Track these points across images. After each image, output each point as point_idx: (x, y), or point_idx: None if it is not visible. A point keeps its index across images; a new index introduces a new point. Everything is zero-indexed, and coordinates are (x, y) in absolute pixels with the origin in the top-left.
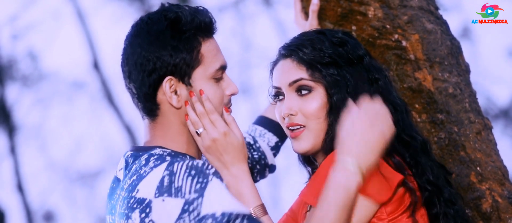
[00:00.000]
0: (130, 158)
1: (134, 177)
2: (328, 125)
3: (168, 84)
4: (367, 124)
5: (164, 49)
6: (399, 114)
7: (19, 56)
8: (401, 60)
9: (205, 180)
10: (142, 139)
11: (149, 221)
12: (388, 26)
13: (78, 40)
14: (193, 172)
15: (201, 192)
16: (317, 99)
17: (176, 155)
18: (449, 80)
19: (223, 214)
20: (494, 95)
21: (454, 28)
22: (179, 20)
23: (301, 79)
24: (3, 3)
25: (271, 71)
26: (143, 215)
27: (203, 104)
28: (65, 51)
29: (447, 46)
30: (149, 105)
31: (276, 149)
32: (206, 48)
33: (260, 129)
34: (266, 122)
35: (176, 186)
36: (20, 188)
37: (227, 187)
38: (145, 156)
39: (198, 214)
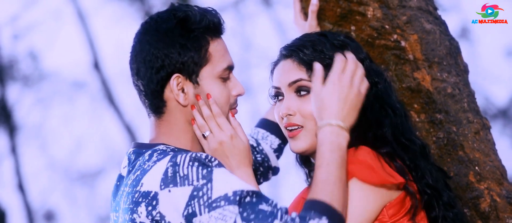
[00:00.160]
0: (132, 155)
1: (138, 172)
2: None
3: (175, 82)
4: (344, 86)
5: (173, 47)
6: (398, 118)
7: (20, 56)
8: (400, 60)
9: (209, 168)
10: (147, 137)
11: (157, 213)
12: (387, 26)
13: (79, 40)
14: (196, 163)
15: (208, 177)
16: (308, 98)
17: (179, 151)
18: (447, 80)
19: (234, 193)
20: (492, 95)
21: (453, 28)
22: (188, 19)
23: (300, 79)
24: (4, 4)
25: (272, 72)
26: (150, 208)
27: (210, 108)
28: (66, 51)
29: (445, 46)
30: (156, 102)
31: (279, 151)
32: (214, 47)
33: (262, 132)
34: (268, 125)
35: (181, 175)
36: (20, 187)
37: None
38: (149, 152)
39: (209, 199)
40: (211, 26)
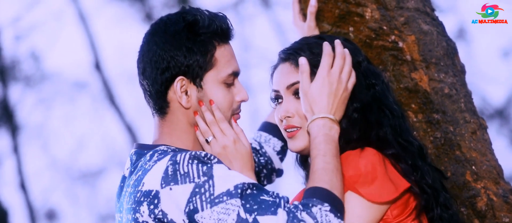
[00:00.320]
0: (134, 156)
1: (140, 172)
2: None
3: (179, 84)
4: (333, 81)
5: (179, 50)
6: (396, 119)
7: (21, 57)
8: (398, 61)
9: (209, 165)
10: (148, 137)
11: (159, 211)
12: (385, 27)
13: (80, 41)
14: (196, 161)
15: (209, 174)
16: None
17: (180, 150)
18: (445, 81)
19: (236, 187)
20: (489, 95)
21: (450, 29)
22: (197, 23)
23: (297, 82)
24: (6, 5)
25: (272, 75)
26: (152, 206)
27: (213, 113)
28: (67, 51)
29: (443, 47)
30: (160, 103)
31: (282, 153)
32: (220, 53)
33: (265, 135)
34: (270, 128)
35: (182, 173)
36: (23, 186)
37: None
38: (150, 152)
39: (211, 195)
40: (219, 31)
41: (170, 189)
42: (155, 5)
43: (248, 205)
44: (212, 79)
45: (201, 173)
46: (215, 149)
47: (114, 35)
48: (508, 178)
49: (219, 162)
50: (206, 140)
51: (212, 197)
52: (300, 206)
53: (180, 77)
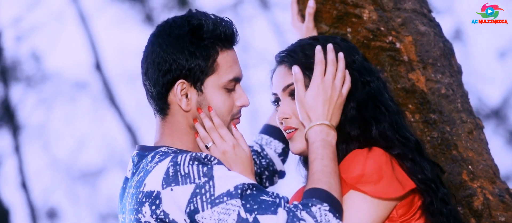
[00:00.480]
0: (136, 158)
1: (142, 174)
2: None
3: (179, 87)
4: (327, 88)
5: (181, 53)
6: (392, 115)
7: (23, 57)
8: (395, 62)
9: (209, 166)
10: (148, 137)
11: (161, 212)
12: (382, 28)
13: (81, 41)
14: (196, 162)
15: (209, 174)
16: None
17: (181, 152)
18: (441, 81)
19: (236, 187)
20: (485, 96)
21: (447, 30)
22: (201, 28)
23: (292, 84)
24: (7, 6)
25: (271, 79)
26: (153, 207)
27: (212, 120)
28: (68, 52)
29: (439, 48)
30: (160, 104)
31: (283, 155)
32: (223, 58)
33: (266, 137)
34: (271, 130)
35: (182, 173)
36: (24, 186)
37: None
38: (151, 154)
39: (212, 195)
40: (223, 37)
41: (171, 189)
42: (155, 7)
43: (248, 205)
44: (212, 84)
45: (201, 174)
46: (215, 155)
47: (114, 36)
48: (504, 178)
49: (219, 163)
50: (206, 146)
51: (212, 198)
52: (299, 205)
53: (181, 80)
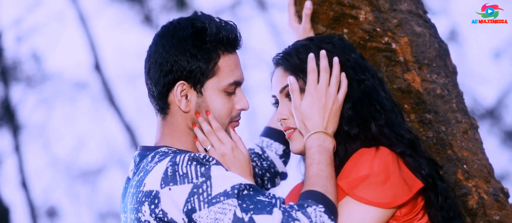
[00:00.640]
0: (137, 158)
1: (142, 173)
2: None
3: (179, 88)
4: (321, 96)
5: (183, 55)
6: (387, 113)
7: (23, 58)
8: (391, 62)
9: (207, 166)
10: (147, 136)
11: (159, 211)
12: (378, 29)
13: (80, 42)
14: (194, 162)
15: (207, 174)
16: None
17: (180, 152)
18: (437, 81)
19: (232, 187)
20: (480, 96)
21: (442, 31)
22: (204, 31)
23: (287, 85)
24: (8, 7)
25: (271, 81)
26: (152, 206)
27: (210, 123)
28: (68, 53)
29: (435, 49)
30: (161, 103)
31: (285, 156)
32: (224, 62)
33: (266, 140)
34: (271, 133)
35: (181, 173)
36: (24, 185)
37: None
38: (152, 154)
39: (209, 195)
40: (225, 41)
41: (169, 189)
42: (154, 8)
43: (244, 205)
44: (212, 87)
45: (199, 174)
46: (214, 157)
47: (114, 36)
48: (499, 177)
49: (217, 163)
50: (205, 149)
51: (209, 197)
52: (295, 206)
53: (181, 81)
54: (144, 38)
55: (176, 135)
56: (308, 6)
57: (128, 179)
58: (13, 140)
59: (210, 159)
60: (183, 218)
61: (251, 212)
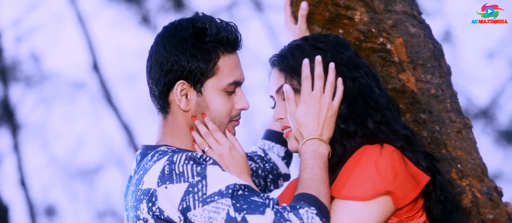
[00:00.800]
0: (139, 156)
1: (141, 172)
2: None
3: (179, 87)
4: (315, 103)
5: (183, 55)
6: (382, 110)
7: (22, 58)
8: (386, 62)
9: (203, 165)
10: (145, 136)
11: (156, 209)
12: (373, 30)
13: (79, 42)
14: (191, 161)
15: (202, 174)
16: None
17: (179, 151)
18: (431, 81)
19: (227, 187)
20: (474, 96)
21: (436, 32)
22: (204, 31)
23: (282, 86)
24: (7, 8)
25: (269, 81)
26: (150, 204)
27: (207, 125)
28: (67, 53)
29: (429, 49)
30: (162, 102)
31: (287, 158)
32: (224, 62)
33: (268, 143)
34: (272, 135)
35: (177, 172)
36: (23, 183)
37: None
38: (152, 153)
39: (204, 194)
40: (225, 41)
41: (166, 187)
42: (152, 8)
43: (238, 205)
44: (212, 86)
45: (195, 173)
46: (212, 157)
47: (112, 37)
48: (492, 176)
49: (214, 163)
50: (203, 151)
51: (204, 197)
52: (287, 207)
53: (181, 81)
54: (142, 39)
55: (176, 134)
56: (304, 7)
57: (130, 177)
58: (12, 139)
59: (207, 159)
60: (179, 216)
61: (244, 212)
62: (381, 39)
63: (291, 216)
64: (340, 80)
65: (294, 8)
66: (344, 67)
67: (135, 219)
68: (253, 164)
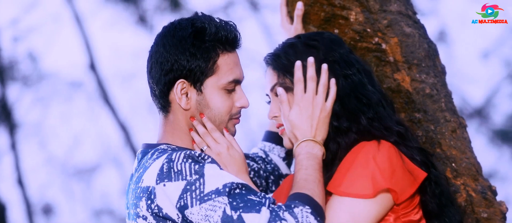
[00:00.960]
0: (140, 155)
1: (141, 170)
2: None
3: (179, 86)
4: (308, 106)
5: (183, 54)
6: (375, 106)
7: (20, 58)
8: (381, 62)
9: (201, 164)
10: (142, 135)
11: (155, 206)
12: (368, 30)
13: (76, 42)
14: (190, 160)
15: (200, 172)
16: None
17: (179, 149)
18: (426, 81)
19: (224, 186)
20: (468, 95)
21: (431, 32)
22: (204, 31)
23: (276, 84)
24: (5, 8)
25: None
26: (149, 201)
27: (205, 125)
28: (64, 52)
29: (424, 49)
30: (162, 102)
31: (288, 158)
32: (223, 60)
33: (268, 144)
34: (272, 137)
35: (175, 170)
36: (20, 182)
37: None
38: (152, 151)
39: (201, 193)
40: (224, 40)
41: (164, 185)
42: (148, 8)
43: (235, 203)
44: (212, 85)
45: (193, 172)
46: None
47: (109, 37)
48: (487, 175)
49: (212, 162)
50: (202, 150)
51: (201, 195)
52: (283, 206)
53: (181, 80)
54: (139, 39)
55: (177, 133)
56: (299, 7)
57: (132, 175)
58: (10, 138)
59: (206, 157)
60: (177, 214)
61: (240, 210)
62: (376, 39)
63: (286, 215)
64: (333, 81)
65: (290, 8)
66: (336, 65)
67: (135, 217)
68: (255, 165)
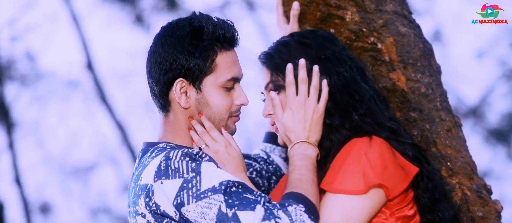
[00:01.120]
0: (140, 153)
1: (140, 168)
2: None
3: (179, 85)
4: (301, 108)
5: (181, 53)
6: (367, 103)
7: (17, 57)
8: (377, 62)
9: (198, 162)
10: (139, 134)
11: (153, 203)
12: (364, 30)
13: (73, 42)
14: (187, 158)
15: (197, 170)
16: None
17: (178, 148)
18: (421, 81)
19: (220, 184)
20: (463, 95)
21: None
22: (201, 30)
23: (270, 82)
24: (3, 7)
25: None
26: (147, 199)
27: (203, 124)
28: (61, 52)
29: (419, 49)
30: (162, 101)
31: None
32: (221, 59)
33: (269, 146)
34: (272, 138)
35: (173, 168)
36: (18, 181)
37: None
38: (152, 149)
39: (198, 190)
40: (221, 38)
41: (161, 183)
42: (145, 8)
43: (230, 201)
44: (211, 83)
45: (190, 169)
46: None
47: (106, 36)
48: (482, 174)
49: (209, 160)
50: (200, 148)
51: (198, 192)
52: (277, 205)
53: (180, 79)
54: (136, 38)
55: (177, 132)
56: (295, 7)
57: (133, 174)
58: (7, 137)
59: (203, 156)
60: (174, 211)
61: (235, 208)
62: (372, 39)
63: (280, 213)
64: (324, 82)
65: (286, 7)
66: (329, 62)
67: (134, 214)
68: (257, 165)
